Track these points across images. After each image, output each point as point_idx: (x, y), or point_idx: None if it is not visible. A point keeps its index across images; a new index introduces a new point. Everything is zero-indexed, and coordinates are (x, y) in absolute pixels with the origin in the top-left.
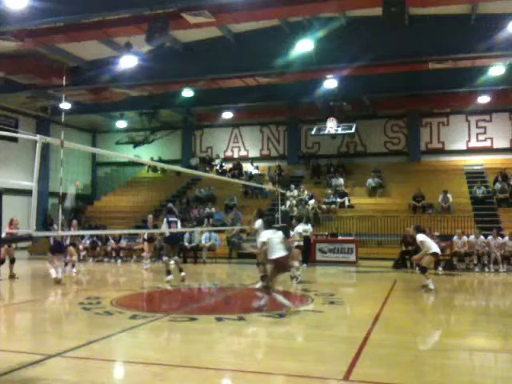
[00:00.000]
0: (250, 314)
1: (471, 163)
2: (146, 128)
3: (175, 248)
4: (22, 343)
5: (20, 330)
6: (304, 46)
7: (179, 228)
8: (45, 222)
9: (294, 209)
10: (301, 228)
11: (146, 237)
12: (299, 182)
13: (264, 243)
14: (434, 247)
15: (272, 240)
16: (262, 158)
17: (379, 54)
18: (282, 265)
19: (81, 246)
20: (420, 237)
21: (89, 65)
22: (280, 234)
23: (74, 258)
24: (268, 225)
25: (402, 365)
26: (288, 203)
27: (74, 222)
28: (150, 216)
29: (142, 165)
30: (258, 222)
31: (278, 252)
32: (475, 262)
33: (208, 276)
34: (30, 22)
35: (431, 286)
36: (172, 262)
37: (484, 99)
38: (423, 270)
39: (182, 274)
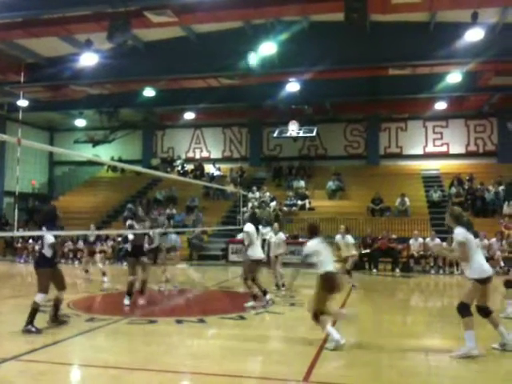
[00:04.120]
0: (210, 316)
1: (428, 168)
2: (106, 127)
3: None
4: None
5: None
6: (267, 48)
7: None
8: None
9: (256, 210)
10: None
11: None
12: (261, 184)
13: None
14: None
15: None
16: (224, 160)
17: (340, 59)
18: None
19: (36, 247)
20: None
21: (48, 61)
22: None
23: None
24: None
25: (361, 365)
26: (249, 205)
27: None
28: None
29: (101, 164)
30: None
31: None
32: (431, 264)
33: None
34: None
35: None
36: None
37: (441, 105)
38: None
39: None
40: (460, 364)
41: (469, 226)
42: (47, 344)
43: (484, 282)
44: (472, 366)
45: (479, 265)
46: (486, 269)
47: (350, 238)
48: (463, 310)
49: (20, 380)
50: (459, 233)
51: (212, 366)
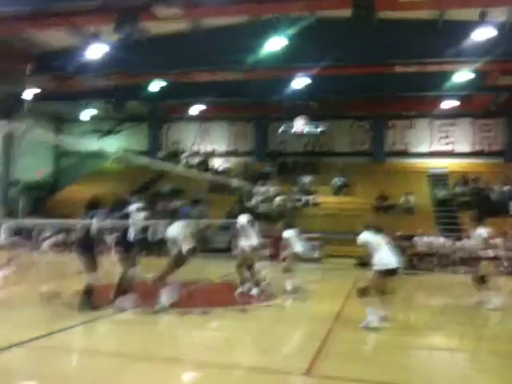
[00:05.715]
0: (213, 309)
1: (434, 166)
2: (112, 119)
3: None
4: None
5: None
6: (274, 43)
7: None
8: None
9: (261, 205)
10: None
11: None
12: (266, 179)
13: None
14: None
15: None
16: (230, 154)
17: (347, 56)
18: None
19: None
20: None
21: (55, 53)
22: None
23: None
24: None
25: (362, 361)
26: (254, 200)
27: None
28: None
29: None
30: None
31: None
32: (436, 262)
33: None
34: None
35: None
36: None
37: (448, 104)
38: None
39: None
40: (461, 362)
41: (376, 231)
42: (53, 331)
43: (385, 273)
44: (474, 365)
45: (381, 259)
46: (389, 262)
47: None
48: (363, 292)
49: (23, 366)
50: (360, 237)
51: (214, 357)
